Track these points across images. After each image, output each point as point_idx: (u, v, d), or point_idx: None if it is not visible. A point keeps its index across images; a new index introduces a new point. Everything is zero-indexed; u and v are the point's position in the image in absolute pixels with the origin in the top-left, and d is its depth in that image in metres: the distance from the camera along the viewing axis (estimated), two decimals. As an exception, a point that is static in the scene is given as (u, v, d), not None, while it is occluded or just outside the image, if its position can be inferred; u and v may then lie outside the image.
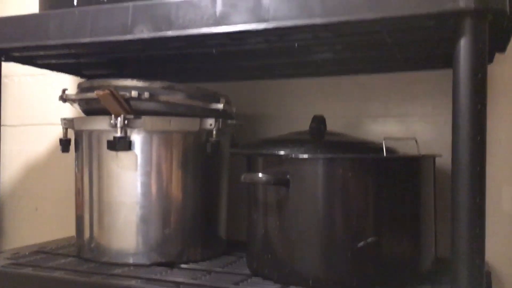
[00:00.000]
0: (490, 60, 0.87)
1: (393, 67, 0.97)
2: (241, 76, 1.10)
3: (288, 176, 0.74)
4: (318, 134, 0.85)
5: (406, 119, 1.01)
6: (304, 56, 0.90)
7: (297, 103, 1.09)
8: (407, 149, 0.83)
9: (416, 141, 0.80)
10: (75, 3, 0.83)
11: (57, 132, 0.97)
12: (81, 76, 1.14)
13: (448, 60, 0.89)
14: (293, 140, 0.85)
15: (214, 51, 0.83)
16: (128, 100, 0.83)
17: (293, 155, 0.75)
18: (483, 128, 0.59)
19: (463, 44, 0.59)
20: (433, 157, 0.81)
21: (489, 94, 0.92)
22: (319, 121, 0.87)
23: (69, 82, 1.20)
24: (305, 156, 0.74)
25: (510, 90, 0.95)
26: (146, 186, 0.85)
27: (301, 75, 1.07)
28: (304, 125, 0.87)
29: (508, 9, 0.59)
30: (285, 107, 1.09)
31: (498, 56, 0.88)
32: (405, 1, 0.60)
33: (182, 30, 0.70)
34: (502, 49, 0.82)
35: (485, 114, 0.59)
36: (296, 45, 0.78)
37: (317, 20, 0.64)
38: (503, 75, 0.94)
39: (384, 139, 0.75)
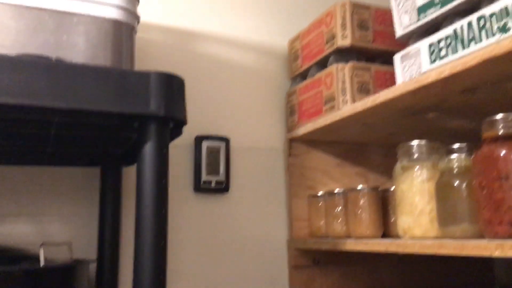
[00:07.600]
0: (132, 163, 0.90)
1: (38, 161, 0.87)
2: None
3: None
4: None
5: (42, 219, 0.90)
6: None
7: None
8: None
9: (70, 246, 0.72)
10: None
11: None
12: None
13: (99, 158, 0.86)
14: None
15: None
16: None
17: None
18: (164, 228, 0.58)
19: (148, 149, 0.59)
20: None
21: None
22: None
23: None
24: None
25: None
26: None
27: None
28: None
29: (186, 120, 0.63)
30: None
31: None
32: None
33: None
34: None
35: (166, 219, 0.59)
36: None
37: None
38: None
39: (42, 244, 0.64)
